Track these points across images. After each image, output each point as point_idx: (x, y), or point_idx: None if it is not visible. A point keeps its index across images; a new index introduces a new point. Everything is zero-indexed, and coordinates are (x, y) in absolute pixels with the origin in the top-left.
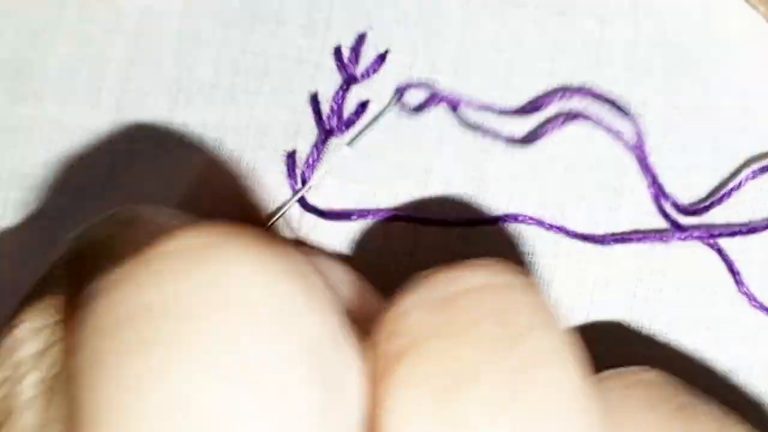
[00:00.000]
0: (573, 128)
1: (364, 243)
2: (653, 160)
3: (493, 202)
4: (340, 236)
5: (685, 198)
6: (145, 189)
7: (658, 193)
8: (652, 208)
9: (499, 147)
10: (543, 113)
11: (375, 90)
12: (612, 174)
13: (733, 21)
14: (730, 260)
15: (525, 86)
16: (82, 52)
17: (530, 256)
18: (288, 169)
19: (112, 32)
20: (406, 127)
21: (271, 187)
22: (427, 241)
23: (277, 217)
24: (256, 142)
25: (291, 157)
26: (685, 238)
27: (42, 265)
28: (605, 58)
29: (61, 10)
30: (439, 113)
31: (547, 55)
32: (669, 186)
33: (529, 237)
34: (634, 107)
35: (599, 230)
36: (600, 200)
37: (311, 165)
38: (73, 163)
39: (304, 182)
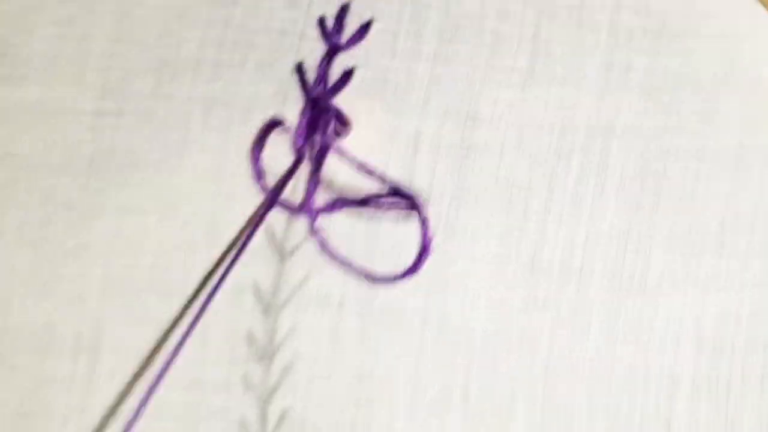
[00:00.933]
0: None
1: None
2: None
3: None
4: None
5: None
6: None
7: None
8: None
9: None
10: None
11: (360, 57)
12: None
13: None
14: None
15: (510, 54)
16: (64, 32)
17: None
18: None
19: (95, 11)
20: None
21: (261, 158)
22: None
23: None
24: (243, 114)
25: (275, 124)
26: None
27: None
28: (588, 23)
29: None
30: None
31: (532, 21)
32: None
33: None
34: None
35: None
36: None
37: (301, 133)
38: (59, 142)
39: (298, 151)
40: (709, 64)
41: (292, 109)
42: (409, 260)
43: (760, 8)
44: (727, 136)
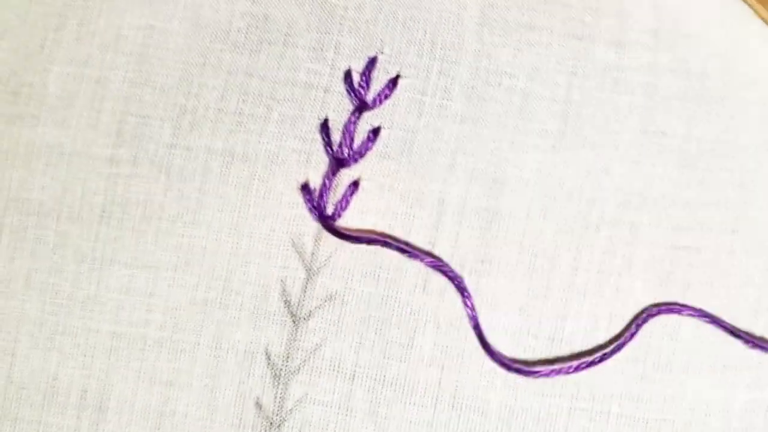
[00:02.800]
0: None
1: None
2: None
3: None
4: (354, 268)
5: None
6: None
7: None
8: None
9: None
10: None
11: (386, 116)
12: None
13: (760, 53)
14: None
15: (540, 115)
16: (81, 73)
17: None
18: (306, 202)
19: (113, 52)
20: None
21: (284, 218)
22: None
23: None
24: (265, 170)
25: (306, 189)
26: None
27: None
28: (623, 84)
29: (58, 27)
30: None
31: (564, 81)
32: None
33: None
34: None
35: None
36: None
37: (323, 197)
38: (72, 188)
39: (321, 214)
40: (751, 131)
41: (316, 170)
42: (428, 337)
43: None
44: (766, 209)
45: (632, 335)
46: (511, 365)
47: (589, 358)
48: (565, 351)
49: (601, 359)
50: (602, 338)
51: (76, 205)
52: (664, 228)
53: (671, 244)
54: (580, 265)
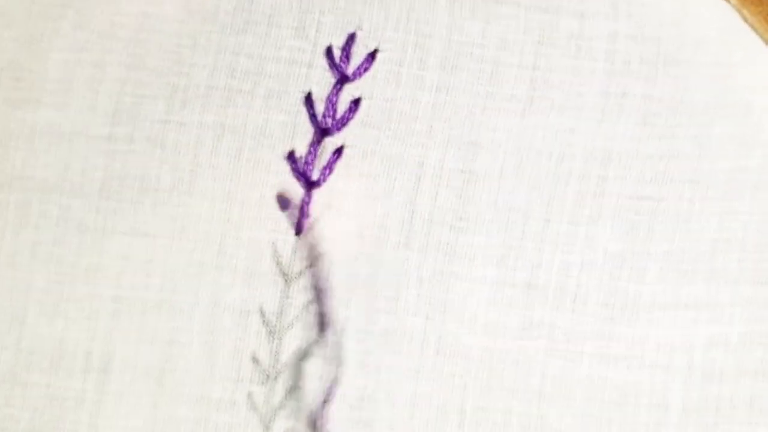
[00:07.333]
0: None
1: None
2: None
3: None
4: (339, 229)
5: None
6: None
7: None
8: None
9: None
10: None
11: (366, 87)
12: None
13: (708, 18)
14: None
15: (509, 82)
16: (79, 58)
17: None
18: (293, 170)
19: (109, 38)
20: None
21: (272, 185)
22: None
23: None
24: (254, 142)
25: (291, 157)
26: None
27: None
28: (586, 51)
29: (58, 17)
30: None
31: (531, 50)
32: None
33: None
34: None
35: None
36: None
37: (309, 164)
38: (72, 165)
39: (307, 181)
40: (703, 90)
41: (302, 140)
42: (413, 290)
43: (753, 36)
44: (720, 160)
45: None
46: None
47: None
48: (540, 297)
49: None
50: (573, 286)
51: (77, 181)
52: (628, 180)
53: (635, 195)
54: (552, 217)
